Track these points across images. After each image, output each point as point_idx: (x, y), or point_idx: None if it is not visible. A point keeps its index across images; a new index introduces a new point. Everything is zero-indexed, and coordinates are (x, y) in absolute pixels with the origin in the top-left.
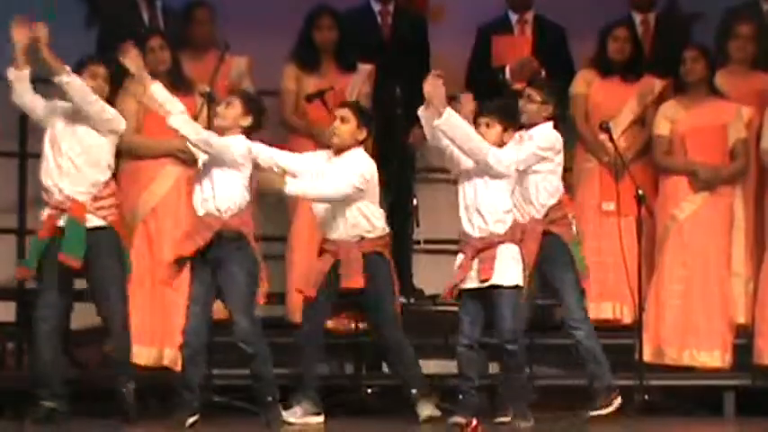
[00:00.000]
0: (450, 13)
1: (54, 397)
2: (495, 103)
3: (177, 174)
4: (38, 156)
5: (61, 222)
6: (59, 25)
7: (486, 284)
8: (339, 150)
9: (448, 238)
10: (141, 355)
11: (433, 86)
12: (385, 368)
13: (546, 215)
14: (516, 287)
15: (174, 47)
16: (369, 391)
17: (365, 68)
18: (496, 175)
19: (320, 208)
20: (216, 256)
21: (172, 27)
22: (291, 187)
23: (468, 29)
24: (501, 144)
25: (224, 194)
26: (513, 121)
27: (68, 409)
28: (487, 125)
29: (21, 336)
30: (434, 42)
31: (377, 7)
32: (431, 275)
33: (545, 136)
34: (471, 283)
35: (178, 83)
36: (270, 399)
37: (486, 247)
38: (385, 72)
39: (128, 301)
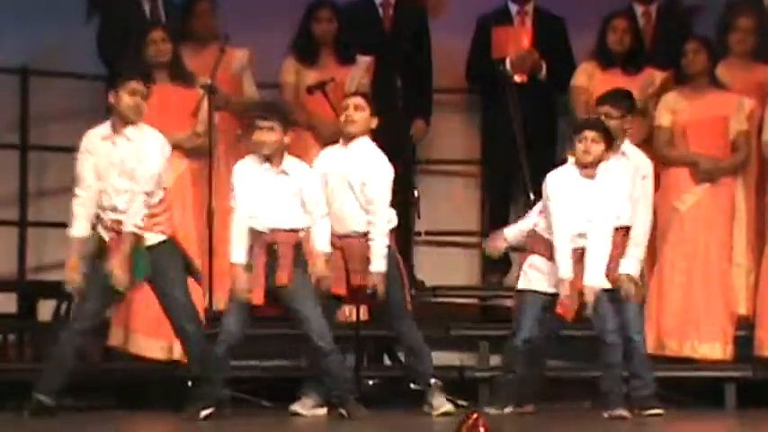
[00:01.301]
0: (451, 4)
1: (51, 394)
2: (602, 122)
3: (181, 167)
4: (39, 148)
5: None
6: (59, 19)
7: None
8: (351, 138)
9: (448, 230)
10: (152, 347)
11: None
12: (386, 360)
13: None
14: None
15: (175, 39)
16: (370, 382)
17: (365, 60)
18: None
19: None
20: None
21: (173, 20)
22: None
23: (468, 20)
24: (600, 161)
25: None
26: (612, 144)
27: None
28: (594, 141)
29: (22, 327)
30: (435, 34)
31: None
32: (432, 267)
33: None
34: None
35: (179, 75)
36: (350, 396)
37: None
38: (385, 64)
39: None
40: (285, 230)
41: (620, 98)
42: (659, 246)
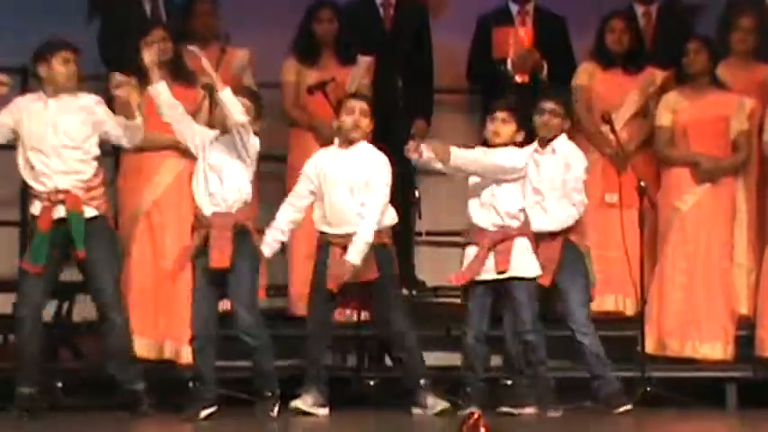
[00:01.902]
0: (452, 4)
1: (35, 385)
2: (513, 101)
3: (179, 166)
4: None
5: (58, 215)
6: (60, 20)
7: (504, 276)
8: (349, 143)
9: (449, 230)
10: (143, 347)
11: (434, 149)
12: (387, 360)
13: None
14: (534, 279)
15: (176, 39)
16: (371, 382)
17: (365, 60)
18: (511, 180)
19: (326, 202)
20: None
21: (173, 19)
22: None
23: (469, 20)
24: (511, 142)
25: (233, 187)
26: (524, 125)
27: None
28: (504, 121)
29: None
30: (436, 34)
31: None
32: (433, 267)
33: (579, 154)
34: (487, 274)
35: (180, 75)
36: (268, 393)
37: (502, 239)
38: (386, 64)
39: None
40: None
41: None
42: (660, 246)
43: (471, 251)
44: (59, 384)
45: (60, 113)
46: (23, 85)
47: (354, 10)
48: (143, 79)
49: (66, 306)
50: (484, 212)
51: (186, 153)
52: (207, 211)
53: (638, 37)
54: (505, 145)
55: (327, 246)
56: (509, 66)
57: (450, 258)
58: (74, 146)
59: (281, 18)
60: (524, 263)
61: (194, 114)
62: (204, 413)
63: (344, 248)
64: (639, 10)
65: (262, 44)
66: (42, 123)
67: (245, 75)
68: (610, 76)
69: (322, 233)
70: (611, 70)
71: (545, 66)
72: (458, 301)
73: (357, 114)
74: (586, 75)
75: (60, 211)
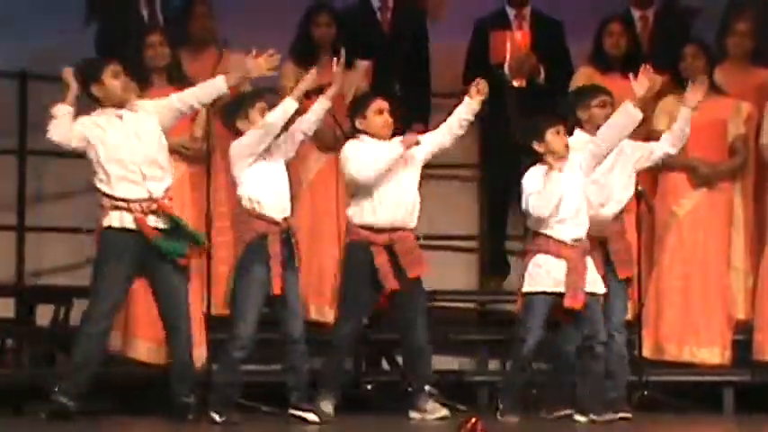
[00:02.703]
0: (450, 8)
1: (71, 395)
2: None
3: (182, 170)
4: (37, 153)
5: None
6: (57, 23)
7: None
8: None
9: (447, 234)
10: (149, 351)
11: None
12: (385, 365)
13: None
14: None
15: (174, 43)
16: (368, 387)
17: (363, 65)
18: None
19: (370, 189)
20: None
21: (171, 23)
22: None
23: (467, 24)
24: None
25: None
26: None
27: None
28: (558, 133)
29: (20, 332)
30: (433, 37)
31: (376, 3)
32: (430, 271)
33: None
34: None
35: (177, 79)
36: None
37: (584, 252)
38: (384, 67)
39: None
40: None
41: None
42: (657, 250)
43: (544, 260)
44: (56, 389)
45: (138, 123)
46: (22, 89)
47: (352, 14)
48: (142, 82)
49: (63, 311)
50: (571, 225)
51: (187, 157)
52: (279, 216)
53: (635, 40)
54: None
55: (368, 247)
56: (506, 70)
57: (446, 262)
58: (158, 153)
59: (279, 22)
60: (599, 278)
61: (193, 119)
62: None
63: (388, 248)
64: (636, 14)
65: (259, 48)
66: (124, 135)
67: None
68: (608, 80)
69: (360, 232)
70: (609, 74)
71: (542, 70)
72: (455, 305)
73: (387, 114)
74: (585, 78)
75: (152, 221)
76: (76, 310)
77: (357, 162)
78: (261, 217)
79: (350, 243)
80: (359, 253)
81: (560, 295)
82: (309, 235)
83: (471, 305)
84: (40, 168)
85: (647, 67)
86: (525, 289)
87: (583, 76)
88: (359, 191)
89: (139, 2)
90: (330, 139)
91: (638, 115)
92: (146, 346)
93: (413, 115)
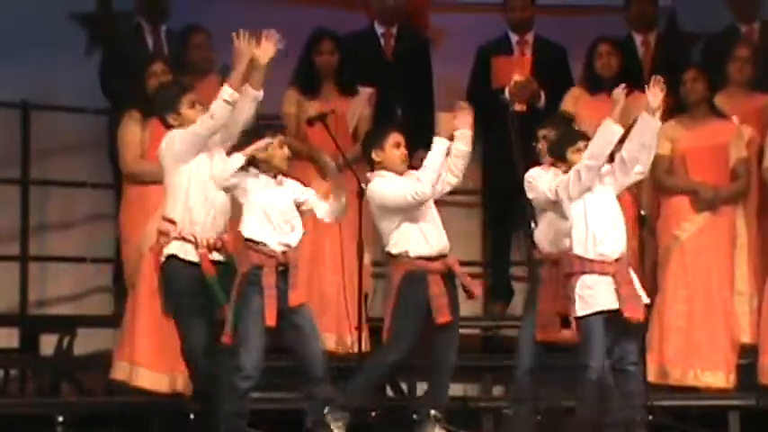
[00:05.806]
0: (452, 34)
1: None
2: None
3: None
4: (40, 182)
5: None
6: (59, 53)
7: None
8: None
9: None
10: (154, 380)
11: None
12: (389, 391)
13: None
14: None
15: (177, 71)
16: (373, 414)
17: (366, 92)
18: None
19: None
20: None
21: (175, 51)
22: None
23: (470, 50)
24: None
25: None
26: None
27: None
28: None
29: (24, 362)
30: (436, 64)
31: (380, 30)
32: None
33: None
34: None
35: None
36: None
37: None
38: (387, 94)
39: None
40: None
41: None
42: (660, 274)
43: (592, 281)
44: (60, 419)
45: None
46: (24, 119)
47: (355, 41)
48: (145, 111)
49: (67, 340)
50: (610, 241)
51: None
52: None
53: (637, 65)
54: None
55: (424, 277)
56: (507, 95)
57: None
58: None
59: (282, 49)
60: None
61: None
62: None
63: (444, 276)
64: (638, 38)
65: None
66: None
67: None
68: (596, 101)
69: (414, 263)
70: (598, 95)
71: (542, 95)
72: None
73: (403, 147)
74: (572, 100)
75: (215, 255)
76: (80, 339)
77: (398, 185)
78: (257, 249)
79: (406, 274)
80: (415, 283)
81: (615, 312)
82: (311, 262)
83: (475, 331)
84: (43, 198)
85: (659, 78)
86: (580, 313)
87: (570, 96)
88: (395, 221)
89: (144, 30)
90: (330, 165)
91: (620, 130)
92: (150, 375)
93: (415, 141)
